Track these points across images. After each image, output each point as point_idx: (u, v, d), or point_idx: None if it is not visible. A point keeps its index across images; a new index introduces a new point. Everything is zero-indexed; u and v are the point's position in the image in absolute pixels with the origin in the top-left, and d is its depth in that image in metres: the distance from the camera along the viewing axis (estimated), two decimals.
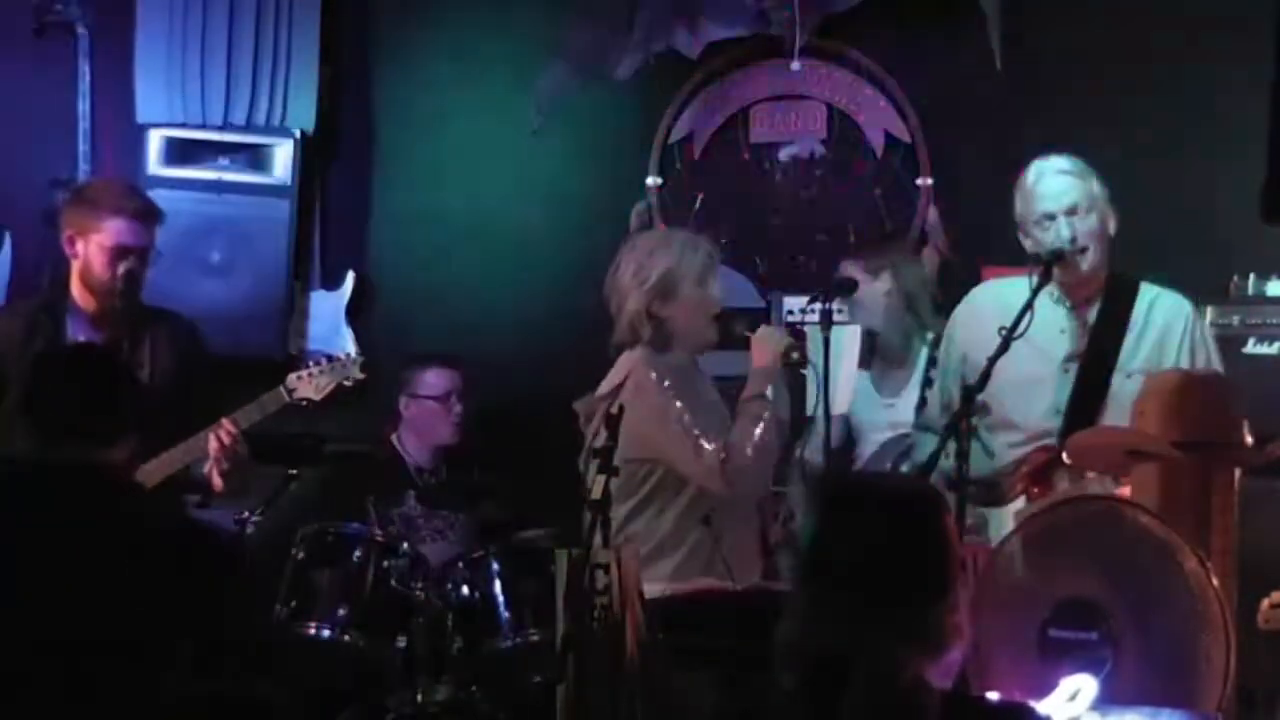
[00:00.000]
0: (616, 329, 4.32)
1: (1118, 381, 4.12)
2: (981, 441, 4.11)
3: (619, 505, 4.18)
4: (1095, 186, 4.18)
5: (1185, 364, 4.11)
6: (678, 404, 4.16)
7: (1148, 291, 4.22)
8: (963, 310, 4.40)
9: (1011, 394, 4.12)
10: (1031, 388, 4.17)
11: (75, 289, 4.58)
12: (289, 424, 4.75)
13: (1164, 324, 4.17)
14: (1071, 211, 4.13)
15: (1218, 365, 4.19)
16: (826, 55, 5.87)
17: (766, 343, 4.29)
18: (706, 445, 4.13)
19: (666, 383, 4.19)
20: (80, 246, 4.54)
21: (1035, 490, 4.02)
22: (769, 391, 4.21)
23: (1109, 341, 4.17)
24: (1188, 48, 5.45)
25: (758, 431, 4.14)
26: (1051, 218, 4.13)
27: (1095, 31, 5.57)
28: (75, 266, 4.57)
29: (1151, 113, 5.47)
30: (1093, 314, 4.21)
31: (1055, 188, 4.15)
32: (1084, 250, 4.13)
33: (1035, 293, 3.96)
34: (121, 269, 4.50)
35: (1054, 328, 4.19)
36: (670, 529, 4.21)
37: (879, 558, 2.24)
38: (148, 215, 4.59)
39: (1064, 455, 3.93)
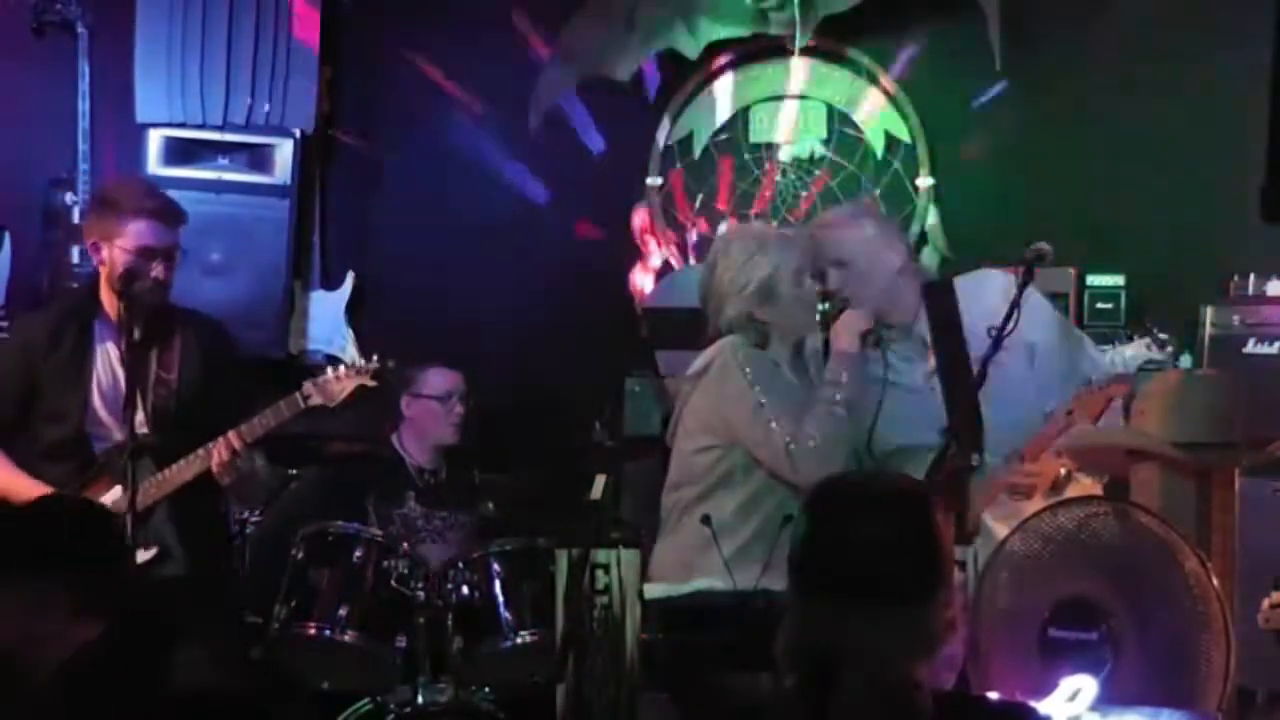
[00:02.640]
0: (711, 326, 4.27)
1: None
2: None
3: (681, 490, 4.17)
4: None
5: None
6: (757, 387, 4.11)
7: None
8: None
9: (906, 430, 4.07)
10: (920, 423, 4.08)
11: (103, 294, 4.50)
12: (289, 424, 4.74)
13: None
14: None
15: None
16: (826, 55, 5.87)
17: (846, 325, 4.18)
18: (776, 428, 4.07)
19: (749, 367, 4.15)
20: (105, 252, 4.40)
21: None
22: (844, 377, 4.11)
23: (949, 340, 4.04)
24: (1187, 47, 5.45)
25: (827, 419, 4.06)
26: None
27: (1095, 31, 5.57)
28: (102, 272, 4.50)
29: (1151, 113, 5.47)
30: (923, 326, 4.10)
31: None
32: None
33: (1021, 290, 3.91)
34: (148, 271, 4.37)
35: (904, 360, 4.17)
36: (728, 522, 4.15)
37: (870, 556, 2.23)
38: (169, 215, 4.44)
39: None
